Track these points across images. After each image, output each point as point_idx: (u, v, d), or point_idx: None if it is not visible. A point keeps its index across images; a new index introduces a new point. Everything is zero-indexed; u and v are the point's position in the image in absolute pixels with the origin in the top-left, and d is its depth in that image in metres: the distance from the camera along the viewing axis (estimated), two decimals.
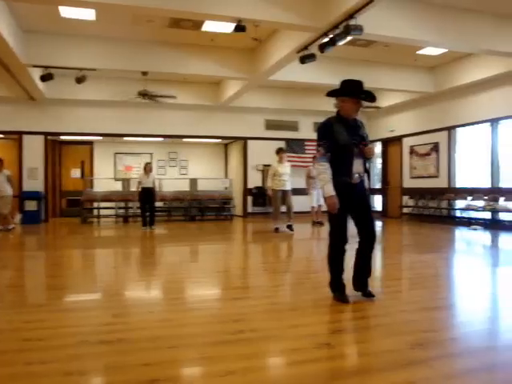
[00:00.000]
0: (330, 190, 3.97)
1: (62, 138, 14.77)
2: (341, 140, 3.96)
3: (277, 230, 10.08)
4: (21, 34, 9.42)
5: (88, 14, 8.67)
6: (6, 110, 12.96)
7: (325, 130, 4.06)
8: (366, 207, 4.16)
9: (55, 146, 15.24)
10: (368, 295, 4.12)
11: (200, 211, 14.51)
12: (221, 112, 14.51)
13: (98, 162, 15.80)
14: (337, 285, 4.13)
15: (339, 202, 3.97)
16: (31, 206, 12.71)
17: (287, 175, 9.99)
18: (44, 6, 8.28)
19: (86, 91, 12.28)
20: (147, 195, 11.03)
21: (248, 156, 15.19)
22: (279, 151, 10.22)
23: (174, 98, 12.55)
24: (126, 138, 14.97)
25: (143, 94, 12.15)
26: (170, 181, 14.92)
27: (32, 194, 12.82)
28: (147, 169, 11.16)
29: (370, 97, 4.11)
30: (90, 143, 15.78)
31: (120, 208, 13.86)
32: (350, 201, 4.02)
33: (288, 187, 10.00)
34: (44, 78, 10.31)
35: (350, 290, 4.15)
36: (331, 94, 4.18)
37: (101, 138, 14.76)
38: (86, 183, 14.78)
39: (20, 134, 13.23)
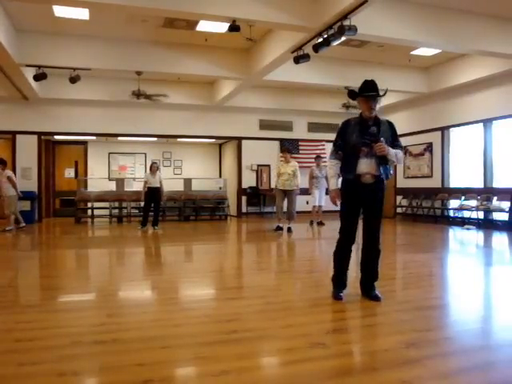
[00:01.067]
0: (332, 184, 4.24)
1: (56, 137, 14.71)
2: (350, 140, 4.05)
3: (277, 228, 10.08)
4: (14, 33, 9.37)
5: (82, 14, 8.64)
6: None
7: (339, 130, 4.21)
8: (373, 211, 4.13)
9: (49, 146, 15.17)
10: (374, 298, 4.09)
11: (194, 211, 14.48)
12: (215, 112, 14.50)
13: (91, 162, 15.74)
14: (335, 281, 4.20)
15: (346, 200, 4.13)
16: (25, 206, 12.63)
17: (288, 175, 9.80)
18: (38, 5, 8.24)
19: (80, 91, 12.23)
20: (153, 195, 11.00)
21: (242, 156, 15.17)
22: (283, 151, 10.21)
23: (166, 97, 12.52)
24: (120, 138, 14.93)
25: (137, 94, 12.13)
26: (164, 181, 14.86)
27: (25, 193, 12.73)
28: (153, 168, 11.14)
29: (379, 94, 4.09)
30: (84, 143, 15.72)
31: (114, 208, 13.81)
32: (358, 200, 4.09)
33: (290, 187, 9.83)
34: (37, 78, 10.25)
35: (351, 289, 4.16)
36: (350, 95, 4.28)
37: (95, 137, 14.71)
38: (80, 183, 14.73)
39: (13, 133, 13.16)
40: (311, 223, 11.62)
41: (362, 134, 4.03)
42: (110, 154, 15.99)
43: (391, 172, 4.19)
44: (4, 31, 8.50)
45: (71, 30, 9.68)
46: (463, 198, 11.88)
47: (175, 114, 14.28)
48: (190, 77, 12.30)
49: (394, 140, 4.16)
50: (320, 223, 11.47)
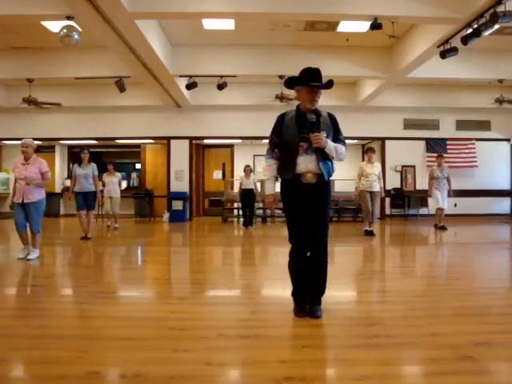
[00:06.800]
0: (269, 187, 3.85)
1: (205, 141, 15.68)
2: (287, 136, 3.65)
3: (367, 232, 9.75)
4: (169, 47, 10.25)
5: (228, 24, 9.14)
6: (156, 118, 14.18)
7: (274, 125, 3.79)
8: (317, 216, 3.66)
9: (199, 150, 16.23)
10: (311, 314, 3.64)
11: (337, 212, 14.41)
12: (357, 112, 14.28)
13: (238, 164, 16.47)
14: (295, 296, 3.80)
15: (288, 205, 3.70)
16: (177, 205, 13.70)
17: (374, 176, 9.54)
18: (190, 20, 8.92)
19: (227, 97, 12.88)
20: (247, 196, 11.49)
21: (386, 156, 14.76)
22: (367, 151, 9.79)
23: None
24: (265, 141, 15.35)
25: (280, 98, 12.41)
26: None
27: (178, 194, 13.83)
28: (247, 171, 11.67)
29: (326, 84, 3.67)
30: (231, 146, 16.51)
31: (258, 209, 14.29)
32: (301, 203, 3.64)
33: (375, 188, 9.58)
34: (189, 87, 11.09)
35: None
36: (288, 83, 3.80)
37: (241, 140, 15.37)
38: (227, 184, 15.52)
39: (168, 138, 14.37)
40: (436, 226, 10.93)
41: (300, 129, 3.59)
42: (254, 156, 16.55)
43: (334, 170, 3.75)
44: (161, 47, 9.39)
45: (218, 40, 10.28)
46: None
47: None
48: (331, 78, 12.25)
49: (335, 133, 3.71)
50: (442, 227, 10.74)
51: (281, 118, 3.75)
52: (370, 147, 10.04)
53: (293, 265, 3.75)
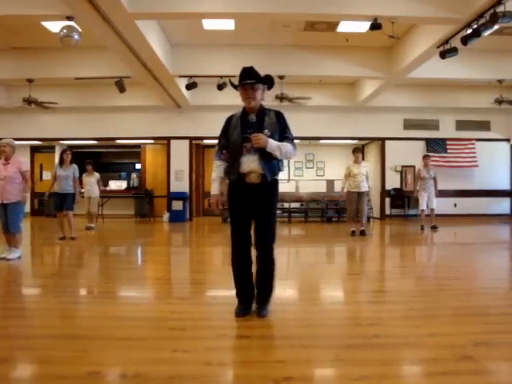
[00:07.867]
0: (213, 188, 3.85)
1: (205, 141, 15.66)
2: (232, 137, 3.68)
3: (353, 233, 9.72)
4: (169, 47, 10.25)
5: (228, 25, 9.14)
6: (156, 118, 14.17)
7: (222, 127, 3.83)
8: (262, 216, 3.66)
9: (199, 150, 16.21)
10: (259, 315, 3.64)
11: (337, 212, 14.41)
12: (357, 112, 14.28)
13: None
14: (237, 296, 3.81)
15: (232, 204, 3.71)
16: (177, 205, 13.70)
17: (362, 175, 9.53)
18: (189, 20, 8.92)
19: (227, 97, 12.84)
20: None
21: (386, 157, 14.76)
22: (354, 151, 9.77)
23: (309, 99, 12.66)
24: None
25: (280, 98, 12.42)
26: (307, 182, 15.05)
27: (178, 194, 13.82)
28: None
29: (257, 81, 3.60)
30: None
31: None
32: (246, 203, 3.65)
33: (363, 189, 9.58)
34: (189, 87, 11.09)
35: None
36: (232, 86, 3.84)
37: None
38: (227, 185, 15.50)
39: (168, 139, 14.37)
40: (422, 228, 10.85)
41: (243, 129, 3.59)
42: None
43: (280, 169, 3.71)
44: (161, 47, 9.40)
45: (218, 40, 10.27)
46: None
47: (317, 116, 14.33)
48: (331, 78, 12.30)
49: (282, 132, 3.65)
50: (433, 227, 10.73)
51: (228, 120, 3.79)
52: (357, 147, 10.08)
53: (234, 266, 3.78)
